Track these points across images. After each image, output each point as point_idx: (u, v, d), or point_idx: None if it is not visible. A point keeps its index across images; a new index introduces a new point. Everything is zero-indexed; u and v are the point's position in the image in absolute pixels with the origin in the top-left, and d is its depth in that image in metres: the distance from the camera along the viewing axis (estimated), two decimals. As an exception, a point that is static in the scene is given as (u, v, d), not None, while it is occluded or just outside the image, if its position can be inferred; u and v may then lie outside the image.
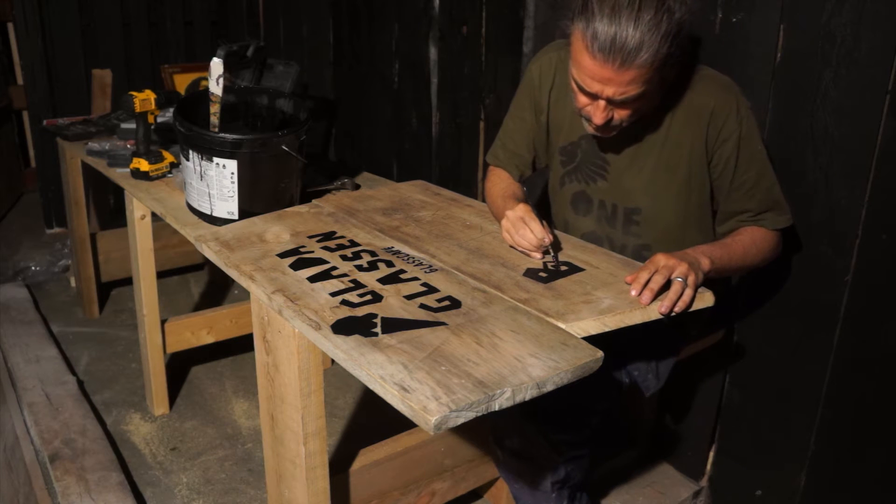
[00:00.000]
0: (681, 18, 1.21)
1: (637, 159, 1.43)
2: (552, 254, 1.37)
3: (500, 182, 1.61)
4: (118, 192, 2.24)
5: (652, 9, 1.18)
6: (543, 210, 1.61)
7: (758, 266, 1.42)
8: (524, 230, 1.36)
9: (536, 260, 1.38)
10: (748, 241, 1.38)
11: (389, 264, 1.35)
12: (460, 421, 0.93)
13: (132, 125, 2.25)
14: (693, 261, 1.24)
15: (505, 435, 1.49)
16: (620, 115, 1.31)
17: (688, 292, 1.19)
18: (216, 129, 1.68)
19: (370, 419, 2.21)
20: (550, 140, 1.57)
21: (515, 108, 1.60)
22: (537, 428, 1.41)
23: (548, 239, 1.34)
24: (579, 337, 1.11)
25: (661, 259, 1.23)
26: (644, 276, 1.21)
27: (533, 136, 1.58)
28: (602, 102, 1.28)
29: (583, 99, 1.32)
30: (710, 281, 1.28)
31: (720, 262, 1.31)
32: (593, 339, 1.11)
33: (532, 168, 1.63)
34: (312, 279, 1.28)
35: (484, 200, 1.67)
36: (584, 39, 1.21)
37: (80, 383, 2.30)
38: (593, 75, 1.24)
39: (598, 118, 1.30)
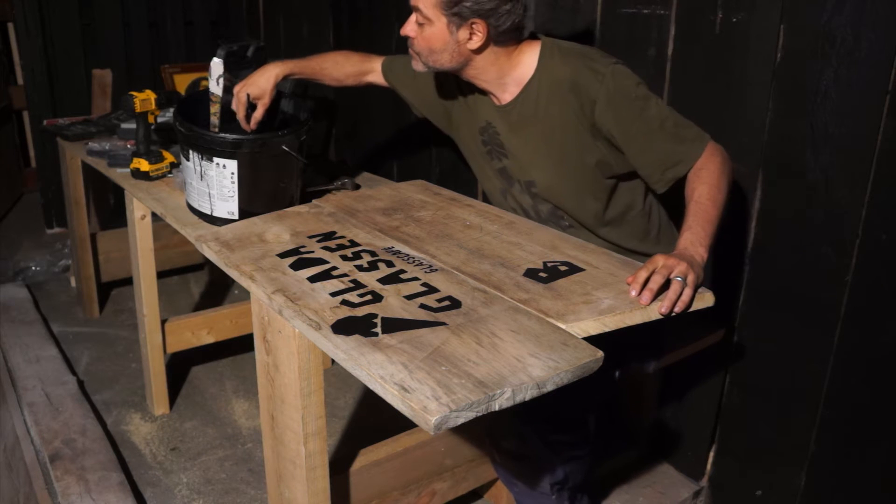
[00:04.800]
0: None
1: (520, 135, 1.52)
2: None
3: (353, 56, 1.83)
4: (118, 192, 2.24)
5: None
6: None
7: (730, 192, 1.37)
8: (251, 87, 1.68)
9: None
10: (707, 191, 1.33)
11: (389, 264, 1.35)
12: (460, 421, 0.93)
13: (132, 125, 2.25)
14: (691, 258, 1.24)
15: (501, 436, 1.49)
16: (417, 37, 1.45)
17: (687, 292, 1.19)
18: (216, 129, 1.68)
19: (370, 419, 2.21)
20: (454, 123, 1.70)
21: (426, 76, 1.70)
22: (533, 428, 1.41)
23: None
24: (579, 337, 1.11)
25: (659, 259, 1.22)
26: (643, 276, 1.21)
27: (431, 100, 1.71)
28: (414, 15, 1.44)
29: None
30: (710, 279, 1.27)
31: (710, 235, 1.28)
32: (591, 337, 1.11)
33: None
34: (312, 279, 1.28)
35: (485, 200, 1.67)
36: None
37: (81, 383, 2.30)
38: None
39: (405, 28, 1.46)
